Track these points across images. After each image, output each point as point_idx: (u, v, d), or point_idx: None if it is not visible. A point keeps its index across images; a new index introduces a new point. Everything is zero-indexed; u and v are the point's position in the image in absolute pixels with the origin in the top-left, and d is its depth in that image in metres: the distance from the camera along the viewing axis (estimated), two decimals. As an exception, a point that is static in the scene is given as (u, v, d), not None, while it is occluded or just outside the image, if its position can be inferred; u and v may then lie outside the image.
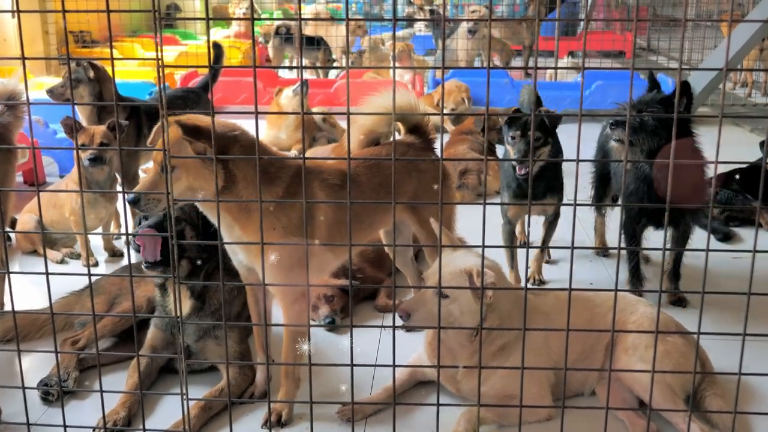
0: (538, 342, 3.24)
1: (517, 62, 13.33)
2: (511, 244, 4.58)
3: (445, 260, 3.06)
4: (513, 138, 4.24)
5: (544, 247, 4.68)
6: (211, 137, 2.67)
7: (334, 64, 12.21)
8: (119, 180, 5.00)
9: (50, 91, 5.40)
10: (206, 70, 7.56)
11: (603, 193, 5.09)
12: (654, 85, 4.25)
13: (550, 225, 4.69)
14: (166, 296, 3.54)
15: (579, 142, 2.60)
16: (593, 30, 14.83)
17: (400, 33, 13.66)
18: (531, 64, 12.69)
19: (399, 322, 3.78)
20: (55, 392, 3.40)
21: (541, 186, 4.42)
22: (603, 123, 4.83)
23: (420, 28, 16.42)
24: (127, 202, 2.90)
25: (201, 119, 2.97)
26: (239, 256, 3.21)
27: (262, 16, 16.27)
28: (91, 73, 5.22)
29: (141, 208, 2.91)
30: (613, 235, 5.31)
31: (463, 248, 3.27)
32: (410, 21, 16.02)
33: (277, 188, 3.10)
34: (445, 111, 7.98)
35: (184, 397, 2.81)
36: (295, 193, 3.06)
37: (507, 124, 4.27)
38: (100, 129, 4.68)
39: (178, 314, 2.86)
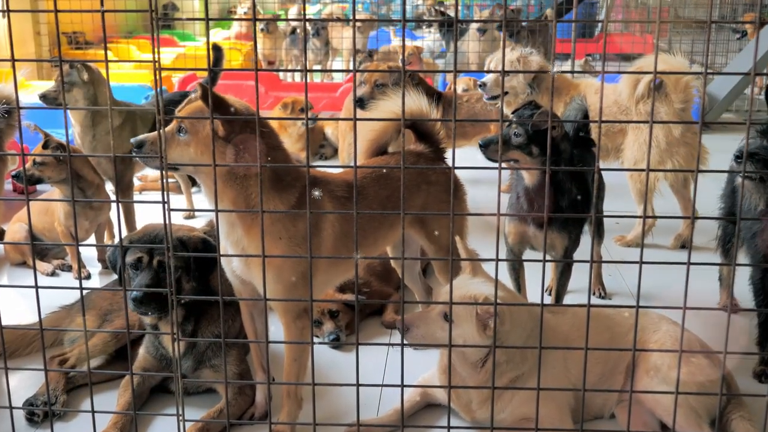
0: (558, 367, 3.22)
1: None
2: (517, 281, 4.09)
3: (460, 283, 3.05)
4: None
5: (558, 305, 3.96)
6: (231, 120, 2.80)
7: (341, 67, 12.24)
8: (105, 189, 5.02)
9: (43, 96, 5.39)
10: (205, 73, 7.57)
11: (733, 232, 4.23)
12: None
13: (561, 275, 4.07)
14: (157, 332, 3.52)
15: (598, 151, 2.59)
16: (611, 32, 14.83)
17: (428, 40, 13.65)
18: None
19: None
20: (40, 413, 3.38)
21: (547, 209, 3.63)
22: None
23: (429, 30, 16.44)
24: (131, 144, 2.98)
25: (231, 98, 3.04)
26: (234, 265, 3.18)
27: (265, 17, 16.32)
28: (85, 76, 5.21)
29: (141, 154, 2.97)
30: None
31: (485, 274, 3.23)
32: (419, 22, 16.06)
33: (291, 197, 3.10)
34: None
35: (180, 418, 2.79)
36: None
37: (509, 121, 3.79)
38: (38, 148, 4.79)
39: (175, 332, 2.85)
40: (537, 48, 6.59)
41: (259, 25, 11.43)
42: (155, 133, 2.92)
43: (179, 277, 3.31)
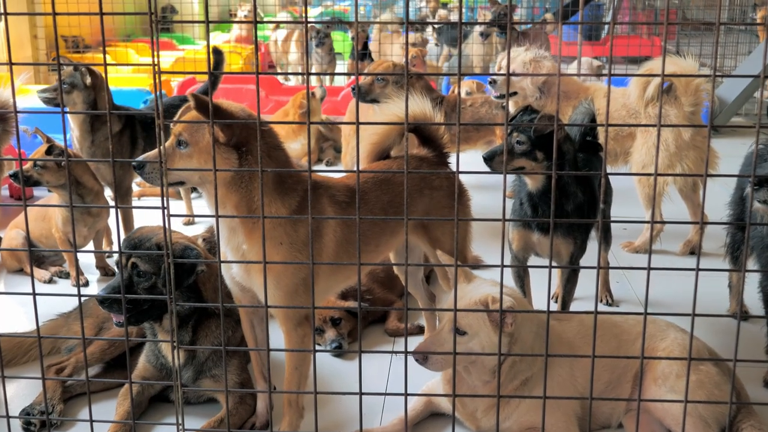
0: (564, 374, 3.21)
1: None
2: (523, 288, 4.05)
3: (460, 293, 3.04)
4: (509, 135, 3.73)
5: (564, 312, 3.97)
6: (230, 123, 2.82)
7: (343, 70, 12.24)
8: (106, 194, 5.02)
9: (44, 95, 5.37)
10: (205, 77, 7.58)
11: (742, 240, 4.28)
12: None
13: (567, 281, 4.07)
14: (155, 339, 3.52)
15: (605, 155, 2.59)
16: (618, 34, 14.82)
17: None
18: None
19: (411, 347, 3.77)
20: (37, 422, 3.38)
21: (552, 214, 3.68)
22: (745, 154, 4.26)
23: (431, 32, 16.45)
24: (132, 168, 2.99)
25: (225, 102, 3.03)
26: (234, 271, 3.18)
27: (265, 19, 16.32)
28: (88, 80, 5.21)
29: (144, 175, 2.97)
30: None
31: (478, 277, 3.23)
32: (423, 24, 16.06)
33: (292, 201, 3.10)
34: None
35: (180, 427, 2.79)
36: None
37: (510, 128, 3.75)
38: (42, 150, 4.80)
39: (174, 342, 2.85)
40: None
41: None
42: (155, 151, 2.93)
43: (154, 284, 3.30)
